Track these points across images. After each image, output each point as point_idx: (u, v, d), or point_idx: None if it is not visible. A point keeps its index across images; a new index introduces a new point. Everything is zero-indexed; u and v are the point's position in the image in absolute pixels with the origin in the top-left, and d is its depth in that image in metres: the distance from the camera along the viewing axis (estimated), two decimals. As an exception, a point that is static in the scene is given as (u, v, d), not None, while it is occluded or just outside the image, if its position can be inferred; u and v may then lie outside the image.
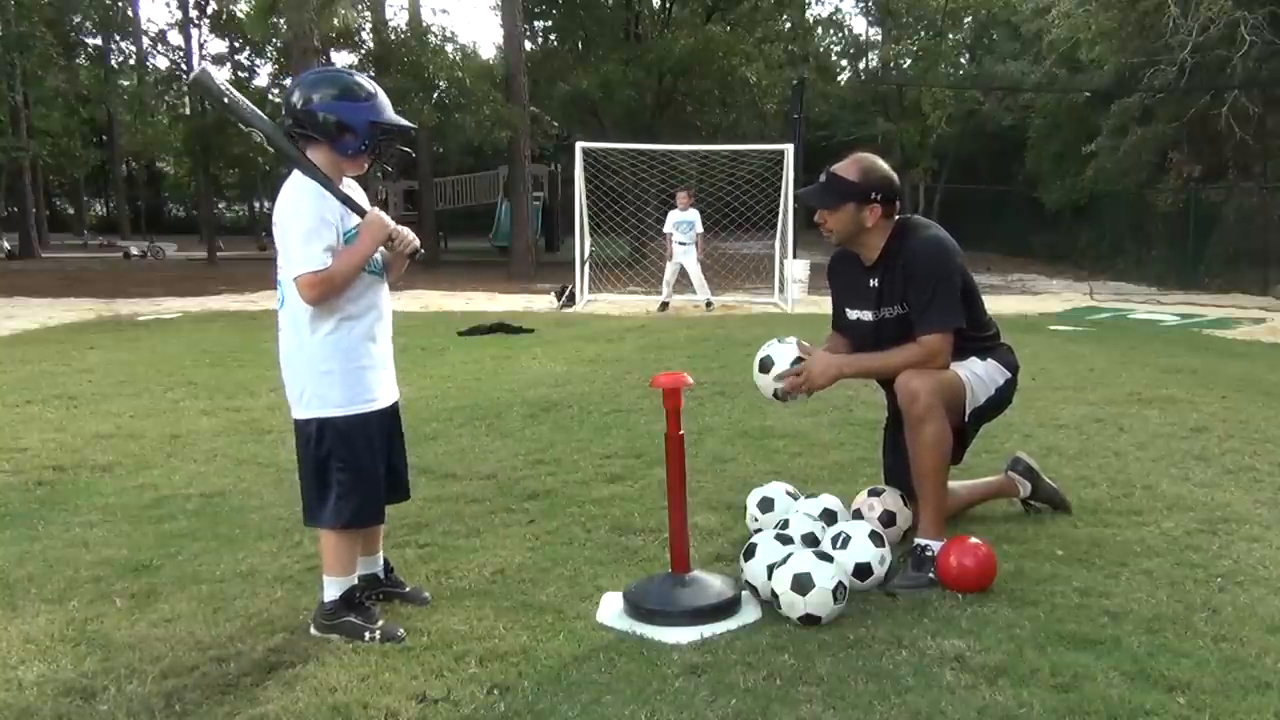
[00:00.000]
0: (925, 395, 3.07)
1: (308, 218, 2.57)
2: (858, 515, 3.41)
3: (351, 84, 2.68)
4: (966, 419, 3.28)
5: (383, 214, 2.68)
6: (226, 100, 2.62)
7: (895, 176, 3.31)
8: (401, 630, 2.64)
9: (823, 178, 3.30)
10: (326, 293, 2.58)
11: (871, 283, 3.28)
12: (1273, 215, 16.90)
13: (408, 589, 2.97)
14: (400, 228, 2.72)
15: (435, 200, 26.40)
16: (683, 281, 13.68)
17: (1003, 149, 29.78)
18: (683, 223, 13.20)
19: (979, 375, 3.28)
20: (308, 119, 2.63)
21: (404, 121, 2.76)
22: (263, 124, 2.65)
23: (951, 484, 3.57)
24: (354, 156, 2.67)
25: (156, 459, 4.73)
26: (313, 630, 2.69)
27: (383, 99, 2.69)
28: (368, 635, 2.61)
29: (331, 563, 2.71)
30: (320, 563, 2.77)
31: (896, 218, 3.28)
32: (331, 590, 2.69)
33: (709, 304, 13.40)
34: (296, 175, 2.63)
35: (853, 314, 3.38)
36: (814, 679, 2.41)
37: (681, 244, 13.23)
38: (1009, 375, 3.37)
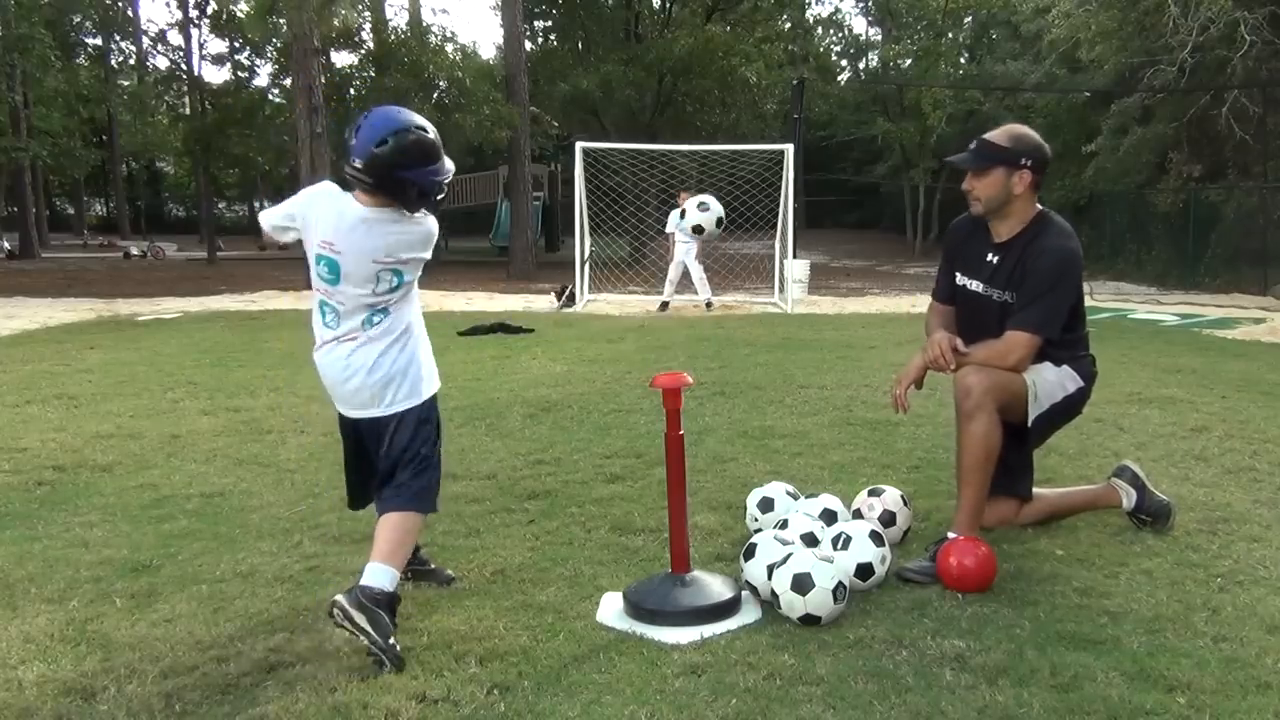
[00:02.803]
0: (978, 392, 3.09)
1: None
2: (858, 515, 3.41)
3: (432, 146, 2.70)
4: (1030, 423, 3.25)
5: None
6: None
7: (1048, 148, 3.28)
8: (401, 661, 2.50)
9: (973, 144, 3.30)
10: None
11: (990, 258, 3.28)
12: (1273, 215, 16.89)
13: (433, 567, 3.11)
14: None
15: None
16: (683, 282, 13.69)
17: (1003, 149, 29.71)
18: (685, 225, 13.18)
19: (1048, 380, 3.25)
20: (397, 187, 2.66)
21: (452, 167, 2.79)
22: None
23: (1039, 489, 3.56)
24: (415, 211, 2.76)
25: (156, 459, 4.73)
26: (340, 598, 2.49)
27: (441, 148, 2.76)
28: (391, 640, 2.47)
29: (404, 551, 2.73)
30: (384, 550, 2.66)
31: (1040, 209, 3.27)
32: (390, 579, 2.60)
33: (709, 304, 13.40)
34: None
35: (962, 279, 3.37)
36: (814, 679, 2.41)
37: (684, 243, 13.24)
38: (1081, 384, 3.33)
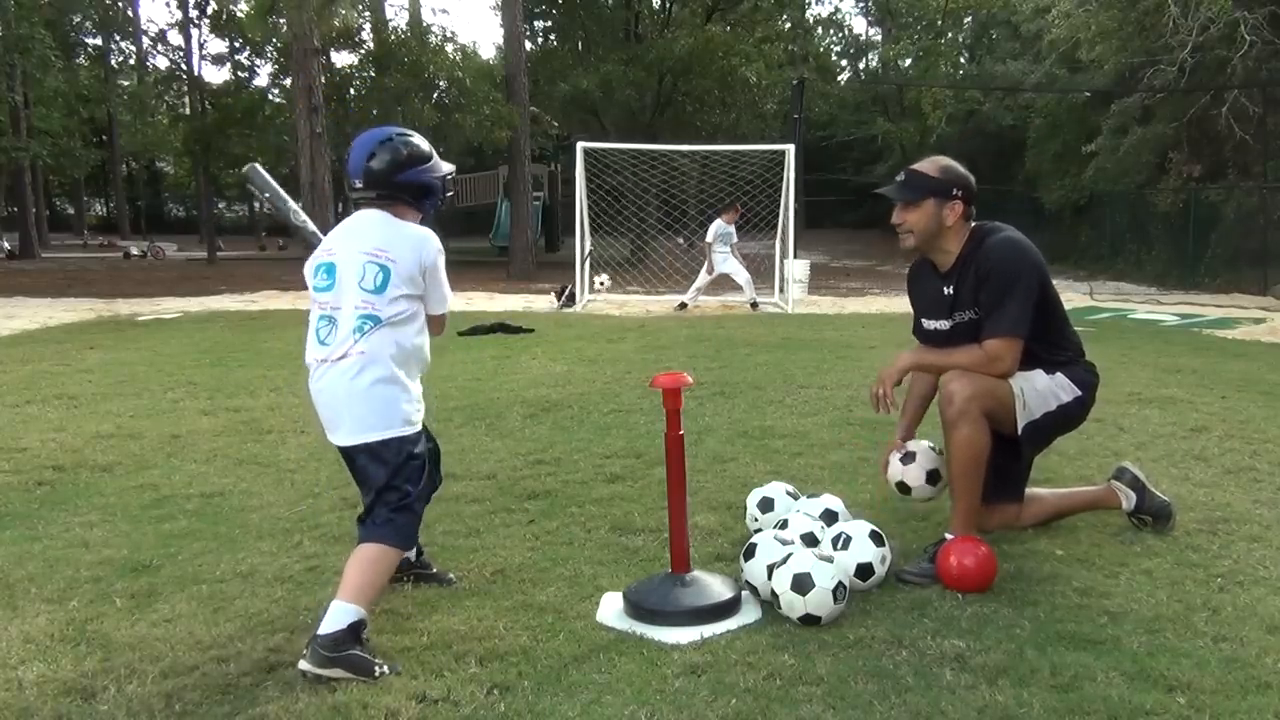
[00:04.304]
0: (960, 400, 3.07)
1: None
2: (903, 489, 3.41)
3: (423, 147, 2.82)
4: (1020, 432, 3.21)
5: None
6: (269, 195, 2.84)
7: (971, 176, 3.26)
8: (398, 665, 2.49)
9: (901, 175, 3.27)
10: None
11: (946, 290, 3.24)
12: (1273, 215, 16.89)
13: (435, 570, 3.09)
14: None
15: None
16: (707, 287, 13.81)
17: (1003, 149, 29.78)
18: (726, 233, 13.34)
19: (1037, 389, 3.21)
20: (399, 190, 2.77)
21: (450, 166, 2.92)
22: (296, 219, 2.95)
23: (1040, 491, 3.56)
24: (428, 212, 2.82)
25: (156, 459, 4.73)
26: (306, 666, 2.41)
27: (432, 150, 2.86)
28: (378, 670, 2.43)
29: (373, 589, 2.59)
30: (350, 587, 2.53)
31: (974, 224, 3.25)
32: (349, 614, 2.48)
33: (754, 304, 13.50)
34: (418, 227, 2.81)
35: (930, 324, 3.35)
36: (814, 679, 2.41)
37: (721, 253, 13.35)
38: (1079, 393, 3.27)
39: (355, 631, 2.47)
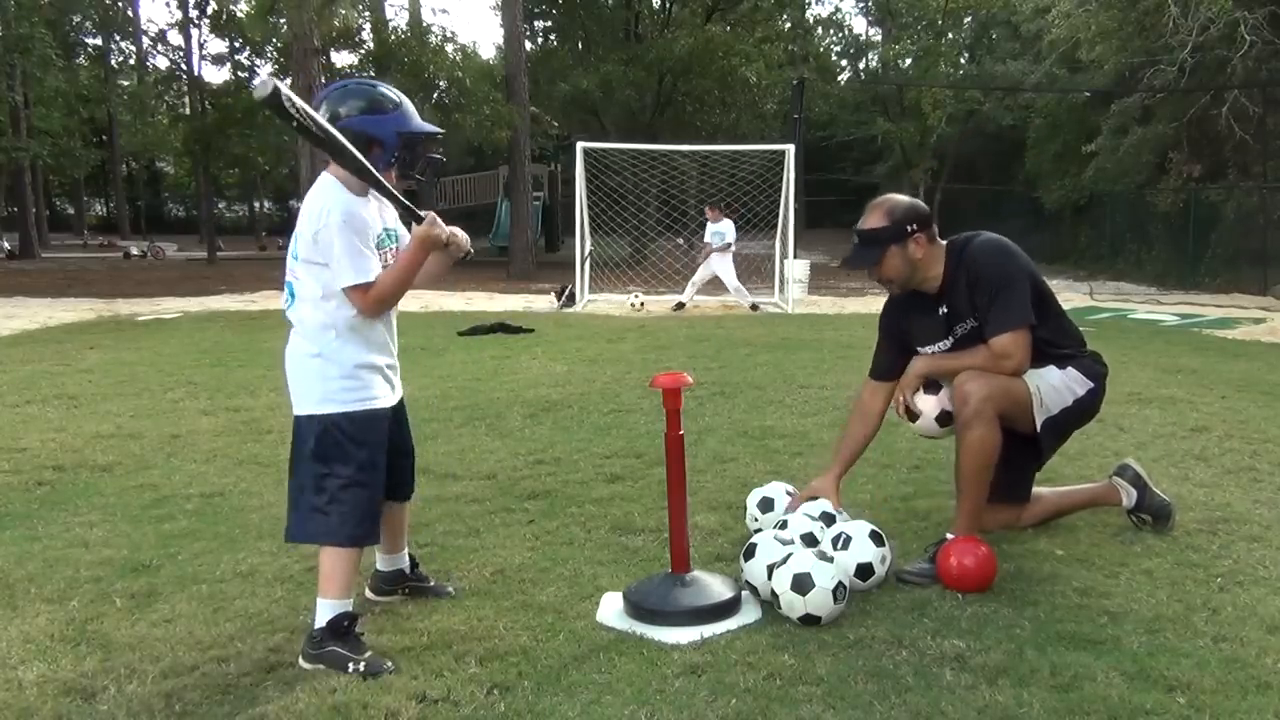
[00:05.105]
0: (975, 400, 3.07)
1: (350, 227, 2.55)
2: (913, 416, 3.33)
3: (377, 95, 2.64)
4: (1039, 429, 3.21)
5: (436, 222, 2.60)
6: (297, 121, 2.41)
7: (918, 201, 3.31)
8: (389, 663, 2.49)
9: (855, 239, 3.30)
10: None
11: (941, 310, 3.26)
12: (1273, 215, 16.89)
13: (432, 583, 3.01)
14: (453, 231, 2.67)
15: (435, 200, 26.41)
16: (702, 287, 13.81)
17: (1003, 149, 29.81)
18: (716, 233, 13.42)
19: (1053, 385, 3.22)
20: (336, 143, 2.54)
21: (431, 127, 2.73)
22: (333, 142, 2.50)
23: (1040, 490, 3.56)
24: (384, 170, 2.63)
25: (156, 459, 4.73)
26: (301, 662, 2.53)
27: (408, 106, 2.67)
28: (351, 667, 2.46)
29: (333, 581, 2.58)
30: (319, 583, 2.61)
31: (947, 241, 3.27)
32: (327, 610, 2.56)
33: (754, 306, 13.48)
34: (327, 179, 2.61)
35: (928, 350, 3.36)
36: (814, 679, 2.41)
37: (720, 254, 13.40)
38: (1091, 385, 3.29)
39: (335, 626, 2.52)
